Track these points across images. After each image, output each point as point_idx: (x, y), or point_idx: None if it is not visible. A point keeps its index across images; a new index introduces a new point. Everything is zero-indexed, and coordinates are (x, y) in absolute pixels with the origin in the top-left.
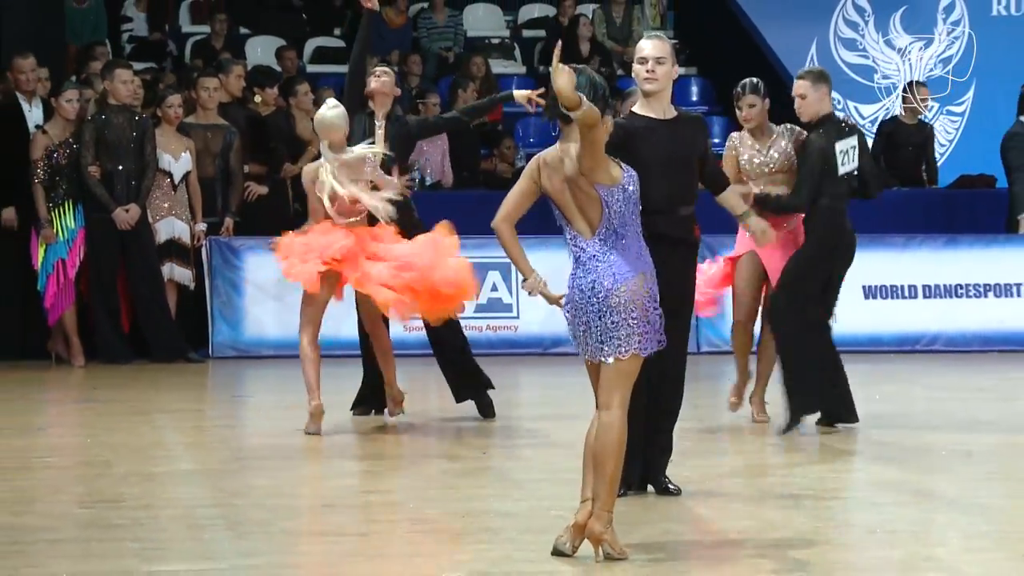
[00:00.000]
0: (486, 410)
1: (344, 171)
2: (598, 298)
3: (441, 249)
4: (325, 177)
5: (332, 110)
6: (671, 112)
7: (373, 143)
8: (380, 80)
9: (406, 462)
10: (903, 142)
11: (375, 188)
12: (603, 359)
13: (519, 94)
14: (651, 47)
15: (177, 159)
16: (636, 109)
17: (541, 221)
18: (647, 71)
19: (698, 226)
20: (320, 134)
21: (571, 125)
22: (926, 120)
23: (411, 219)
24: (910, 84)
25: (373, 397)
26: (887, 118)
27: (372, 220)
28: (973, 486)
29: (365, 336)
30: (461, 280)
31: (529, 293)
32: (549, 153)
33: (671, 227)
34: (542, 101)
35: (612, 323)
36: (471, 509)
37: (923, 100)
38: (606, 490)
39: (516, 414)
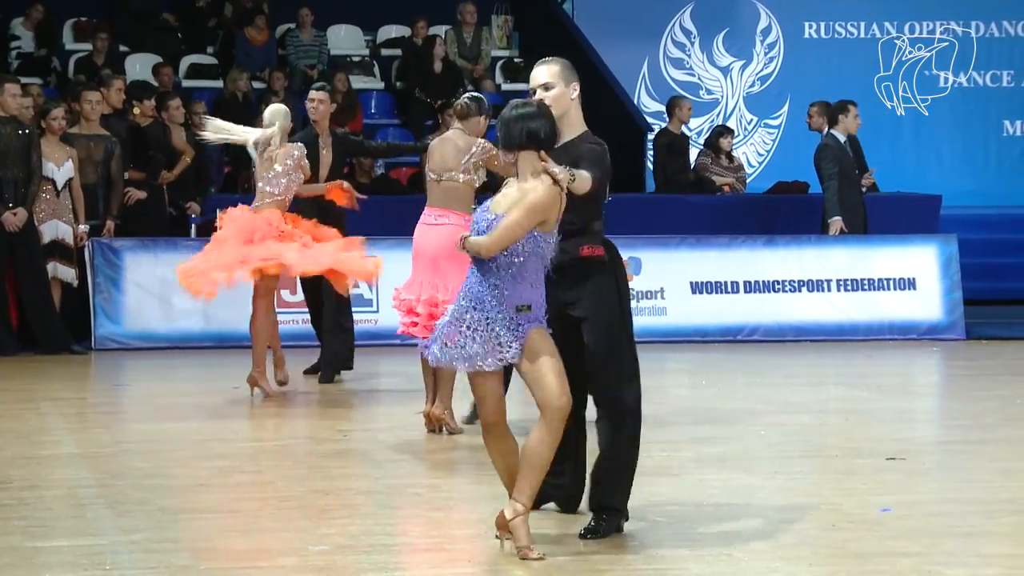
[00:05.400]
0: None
1: (268, 160)
2: None
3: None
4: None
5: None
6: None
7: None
8: (316, 110)
9: (274, 445)
10: (679, 150)
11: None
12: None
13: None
14: None
15: (60, 167)
16: None
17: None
18: None
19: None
20: (275, 119)
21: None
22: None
23: (341, 215)
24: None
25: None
26: (662, 130)
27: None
28: (788, 463)
29: (316, 312)
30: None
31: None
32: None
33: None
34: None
35: None
36: (334, 487)
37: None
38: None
39: (375, 399)
